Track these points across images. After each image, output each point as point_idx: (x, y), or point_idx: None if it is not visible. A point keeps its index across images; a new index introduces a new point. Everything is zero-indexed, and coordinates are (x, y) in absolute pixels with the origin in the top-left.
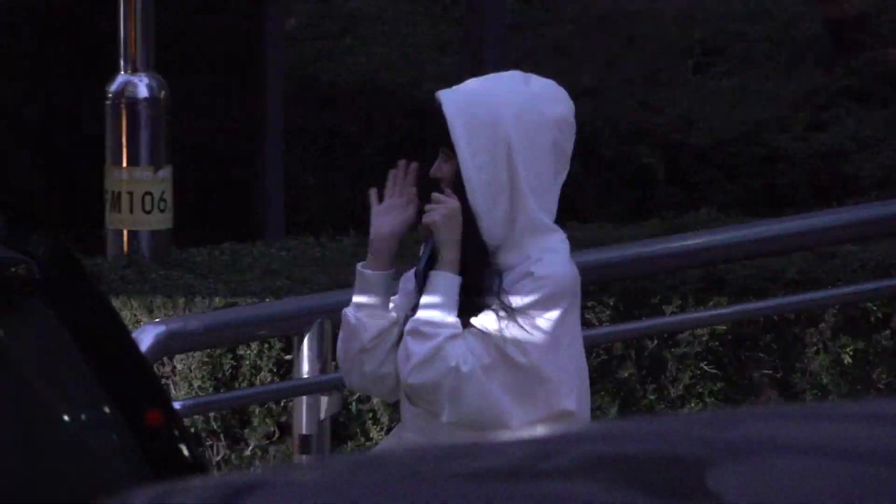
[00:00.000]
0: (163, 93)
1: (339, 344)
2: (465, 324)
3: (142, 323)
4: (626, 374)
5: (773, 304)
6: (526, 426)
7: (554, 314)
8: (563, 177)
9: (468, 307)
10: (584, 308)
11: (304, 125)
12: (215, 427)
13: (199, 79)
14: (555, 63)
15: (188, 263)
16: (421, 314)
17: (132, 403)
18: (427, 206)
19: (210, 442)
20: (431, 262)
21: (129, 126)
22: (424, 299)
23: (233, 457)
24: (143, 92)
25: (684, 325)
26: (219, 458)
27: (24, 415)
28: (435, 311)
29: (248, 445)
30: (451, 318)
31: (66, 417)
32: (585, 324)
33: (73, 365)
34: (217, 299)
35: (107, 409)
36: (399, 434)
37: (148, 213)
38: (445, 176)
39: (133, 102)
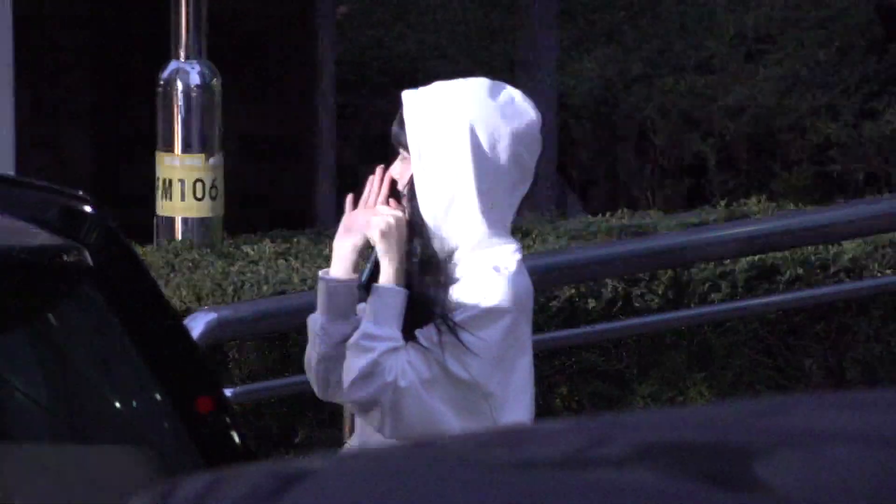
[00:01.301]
0: (214, 80)
1: (306, 352)
2: (413, 338)
3: (192, 310)
4: (675, 363)
5: (823, 293)
6: None
7: (497, 327)
8: (522, 190)
9: (415, 321)
10: (634, 296)
11: (356, 113)
12: (265, 414)
13: (251, 66)
14: (606, 50)
15: (239, 251)
16: (361, 328)
17: (183, 391)
18: (371, 218)
19: (260, 429)
20: (377, 274)
21: (181, 113)
22: (367, 313)
23: (283, 444)
24: (194, 79)
25: (734, 313)
26: (268, 445)
27: (76, 402)
28: (375, 324)
29: (297, 433)
30: (391, 332)
31: (117, 404)
32: (636, 312)
33: (125, 352)
34: (266, 287)
35: (158, 397)
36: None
37: (199, 200)
38: (401, 178)
39: (185, 89)
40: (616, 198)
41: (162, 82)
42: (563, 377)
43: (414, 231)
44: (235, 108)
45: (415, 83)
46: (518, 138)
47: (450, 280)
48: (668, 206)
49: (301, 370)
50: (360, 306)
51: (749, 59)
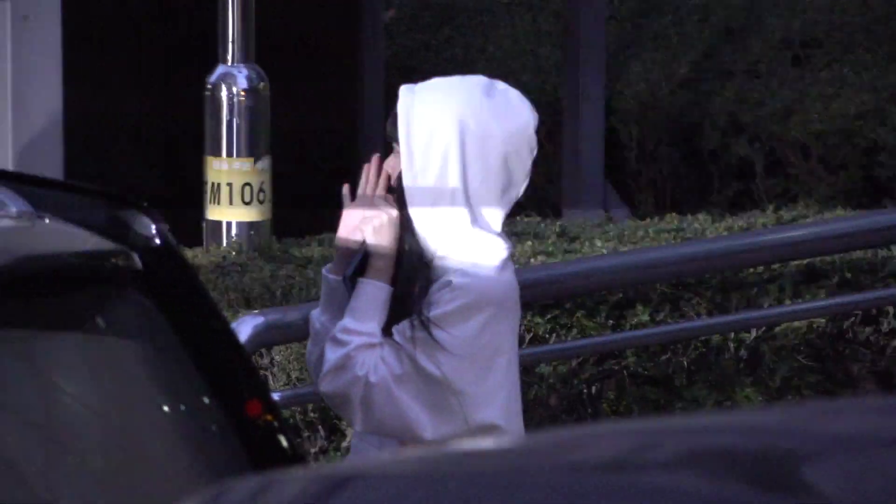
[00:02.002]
0: (262, 84)
1: (307, 349)
2: (392, 333)
3: (240, 314)
4: (723, 367)
5: (871, 297)
6: (442, 438)
7: (470, 325)
8: (516, 191)
9: (397, 317)
10: (681, 300)
11: None
12: (313, 418)
13: (299, 70)
14: (653, 54)
15: (287, 254)
16: (342, 322)
17: (232, 394)
18: (365, 213)
19: (308, 433)
20: (364, 269)
21: (228, 117)
22: (350, 306)
23: (331, 448)
24: (242, 83)
25: (782, 317)
26: (316, 448)
27: (125, 405)
28: (354, 319)
29: (345, 436)
30: (369, 327)
31: (165, 408)
32: (684, 316)
33: (173, 355)
34: (315, 290)
35: (206, 400)
36: (359, 443)
37: (247, 204)
38: (394, 173)
39: (232, 93)
40: (663, 202)
41: (210, 86)
42: (610, 382)
43: (401, 227)
44: (283, 112)
45: None
46: (509, 138)
47: (433, 277)
48: (716, 210)
49: None
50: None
51: (796, 63)
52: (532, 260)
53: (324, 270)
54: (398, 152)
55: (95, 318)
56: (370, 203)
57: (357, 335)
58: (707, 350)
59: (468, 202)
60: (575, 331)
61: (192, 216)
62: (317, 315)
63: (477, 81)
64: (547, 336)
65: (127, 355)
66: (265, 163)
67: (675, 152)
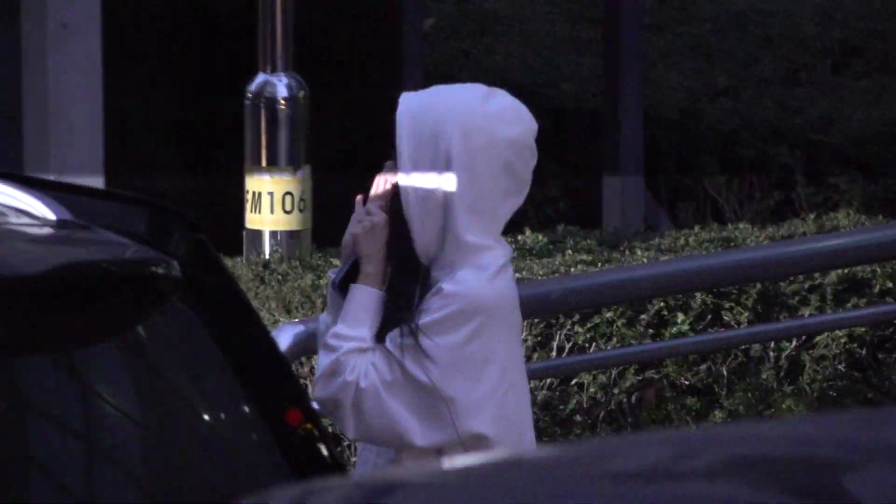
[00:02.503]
0: (302, 93)
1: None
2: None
3: (280, 323)
4: (763, 376)
5: None
6: (433, 446)
7: (461, 332)
8: (516, 199)
9: (390, 323)
10: (722, 309)
11: None
12: None
13: (338, 79)
14: (692, 62)
15: (328, 263)
16: (334, 327)
17: (272, 403)
18: (354, 217)
19: (348, 441)
20: (354, 275)
21: (269, 126)
22: (342, 312)
23: None
24: (282, 92)
25: (823, 326)
26: (356, 458)
27: (165, 413)
28: (345, 324)
29: None
30: (359, 332)
31: (206, 416)
32: (725, 325)
33: (213, 364)
34: None
35: (246, 409)
36: (364, 455)
37: (287, 213)
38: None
39: (272, 102)
40: (704, 211)
41: (250, 95)
42: (651, 391)
43: (397, 233)
44: (323, 121)
45: None
46: (510, 146)
47: (428, 284)
48: (757, 219)
49: None
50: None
51: (835, 71)
52: (572, 269)
53: (330, 273)
54: (395, 160)
55: (136, 326)
56: (362, 209)
57: (347, 340)
58: (747, 359)
59: (465, 209)
60: (615, 340)
61: (232, 225)
62: (323, 318)
63: (476, 89)
64: (587, 345)
65: (167, 364)
66: (305, 172)
67: (714, 161)
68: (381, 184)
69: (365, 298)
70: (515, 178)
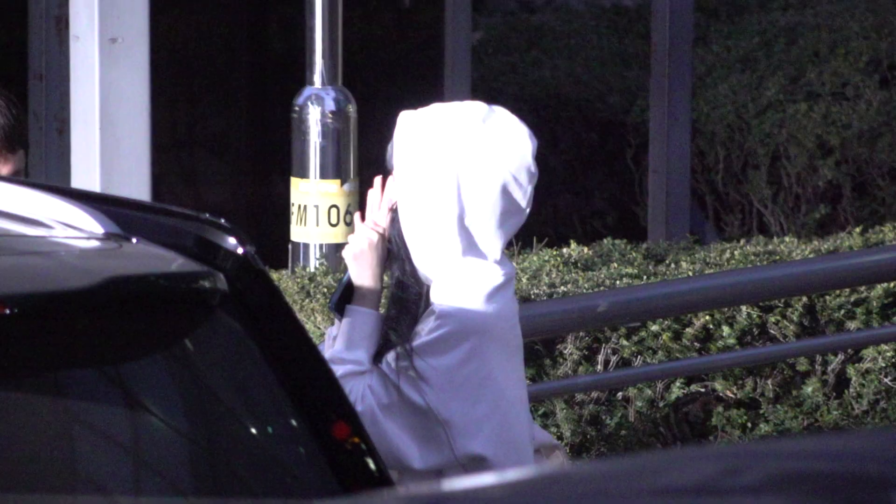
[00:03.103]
0: (349, 106)
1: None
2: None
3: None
4: (809, 390)
5: None
6: (431, 468)
7: (455, 354)
8: (516, 220)
9: (388, 344)
10: (768, 323)
11: None
12: None
13: (386, 92)
14: (739, 76)
15: None
16: (332, 349)
17: (319, 416)
18: (349, 237)
19: None
20: (349, 295)
21: (316, 139)
22: (338, 334)
23: None
24: (329, 105)
25: (869, 340)
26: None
27: (212, 427)
28: (343, 346)
29: None
30: (355, 355)
31: (253, 430)
32: (771, 339)
33: (260, 377)
34: None
35: (294, 422)
36: None
37: (333, 226)
38: (393, 199)
39: (320, 115)
40: (750, 224)
41: (297, 108)
42: (697, 404)
43: (395, 253)
44: (370, 134)
45: (549, 109)
46: (508, 165)
47: (425, 305)
48: (803, 232)
49: None
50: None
51: (884, 85)
52: (618, 282)
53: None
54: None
55: (183, 339)
56: (355, 229)
57: (344, 363)
58: (793, 373)
59: (464, 229)
60: (661, 353)
61: (278, 238)
62: (331, 332)
63: (475, 107)
64: (633, 359)
65: (214, 377)
66: (352, 185)
67: (761, 174)
68: (375, 200)
69: (361, 320)
70: (514, 198)
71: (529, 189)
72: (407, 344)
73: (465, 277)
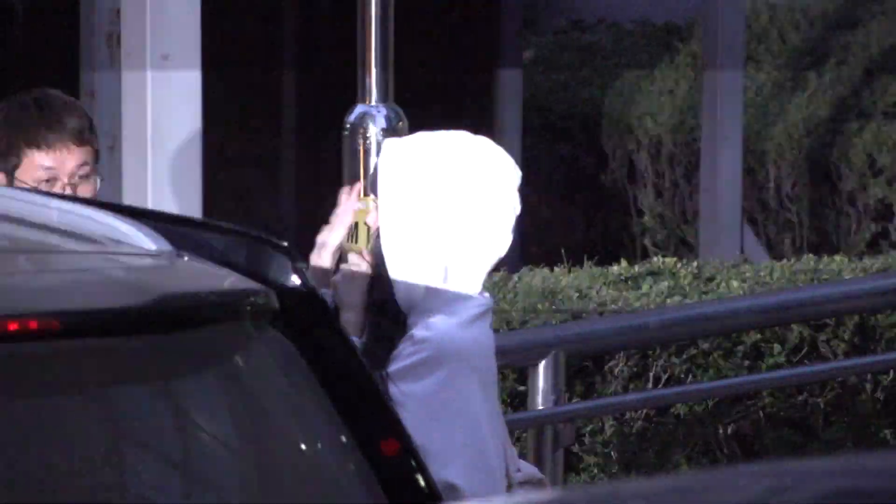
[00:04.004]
0: (401, 124)
1: None
2: None
3: None
4: (861, 408)
5: None
6: None
7: (428, 381)
8: (499, 249)
9: (374, 370)
10: (818, 341)
11: (540, 156)
12: None
13: (437, 111)
14: (791, 95)
15: None
16: None
17: (368, 433)
18: (341, 266)
19: None
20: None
21: (366, 157)
22: None
23: None
24: (381, 123)
25: None
26: None
27: (262, 444)
28: None
29: None
30: None
31: (303, 446)
32: (821, 357)
33: (310, 394)
34: None
35: (343, 439)
36: None
37: None
38: (374, 226)
39: (371, 133)
40: (800, 243)
41: (348, 126)
42: (747, 423)
43: (378, 279)
44: None
45: (599, 127)
46: (493, 195)
47: (402, 331)
48: (854, 251)
49: None
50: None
51: None
52: (668, 301)
53: None
54: (376, 205)
55: (233, 356)
56: (341, 256)
57: None
58: (844, 391)
59: (447, 258)
60: (711, 371)
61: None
62: None
63: (461, 137)
64: (683, 376)
65: (265, 394)
66: None
67: (812, 193)
68: (344, 199)
69: None
70: (497, 227)
71: (512, 219)
72: (383, 370)
73: (445, 306)
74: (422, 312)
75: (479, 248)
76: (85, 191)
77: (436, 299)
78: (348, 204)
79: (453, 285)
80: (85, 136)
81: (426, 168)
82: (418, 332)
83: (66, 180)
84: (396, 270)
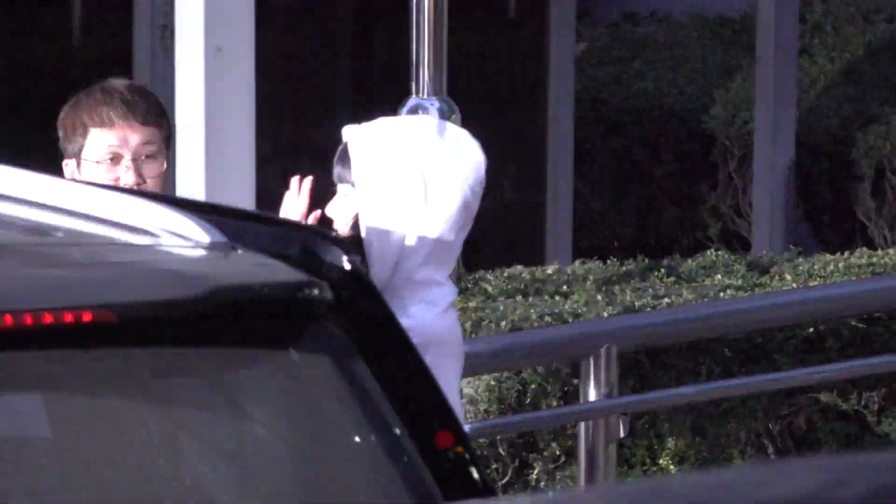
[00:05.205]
0: (453, 116)
1: None
2: None
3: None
4: None
5: None
6: None
7: None
8: (465, 232)
9: None
10: (873, 335)
11: (592, 150)
12: (501, 451)
13: (490, 102)
14: (844, 89)
15: (477, 287)
16: None
17: (422, 425)
18: (336, 212)
19: (496, 465)
20: None
21: None
22: None
23: (519, 481)
24: (433, 115)
25: None
26: (504, 481)
27: (317, 436)
28: None
29: (533, 469)
30: None
31: (357, 439)
32: (875, 351)
33: (364, 386)
34: (504, 323)
35: (397, 431)
36: None
37: None
38: (342, 217)
39: None
40: (853, 237)
41: None
42: (801, 416)
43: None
44: None
45: (651, 121)
46: (466, 178)
47: None
48: None
49: (536, 407)
50: None
51: None
52: (721, 294)
53: None
54: (346, 195)
55: (288, 349)
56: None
57: None
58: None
59: (424, 243)
60: (764, 364)
61: None
62: None
63: (428, 122)
64: (736, 370)
65: (319, 386)
66: None
67: (865, 187)
68: (294, 197)
69: None
70: (469, 210)
71: (479, 202)
72: None
73: (417, 292)
74: (392, 298)
75: (455, 231)
76: (150, 170)
77: (408, 286)
78: (292, 197)
79: (429, 270)
80: (151, 117)
81: (406, 152)
82: (401, 320)
83: (130, 157)
84: (375, 256)
